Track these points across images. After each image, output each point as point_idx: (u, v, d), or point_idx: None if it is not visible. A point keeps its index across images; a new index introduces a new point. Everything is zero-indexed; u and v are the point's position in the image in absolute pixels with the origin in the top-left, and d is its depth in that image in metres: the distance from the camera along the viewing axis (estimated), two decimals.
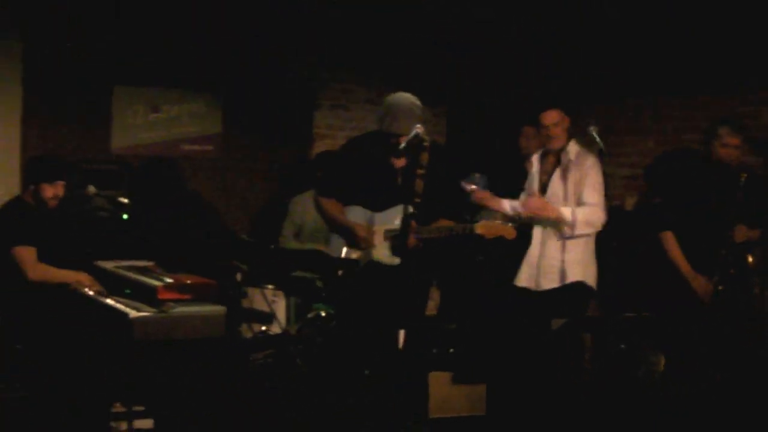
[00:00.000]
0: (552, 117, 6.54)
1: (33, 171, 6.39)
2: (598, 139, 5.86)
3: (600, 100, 8.16)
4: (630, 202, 6.76)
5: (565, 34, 8.32)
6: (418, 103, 6.03)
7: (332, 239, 6.23)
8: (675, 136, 7.73)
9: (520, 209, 6.65)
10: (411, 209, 5.89)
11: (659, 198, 7.24)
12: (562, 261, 6.52)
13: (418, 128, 5.75)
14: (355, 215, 6.13)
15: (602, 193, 6.43)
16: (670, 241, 6.75)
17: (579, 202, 6.47)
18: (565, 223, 6.43)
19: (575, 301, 6.52)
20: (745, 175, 6.46)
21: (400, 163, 6.14)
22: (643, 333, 6.29)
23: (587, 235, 6.56)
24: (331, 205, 6.19)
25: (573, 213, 6.41)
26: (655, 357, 7.44)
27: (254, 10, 8.20)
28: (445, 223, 6.10)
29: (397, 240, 5.79)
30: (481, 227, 6.08)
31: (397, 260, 6.08)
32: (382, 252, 6.10)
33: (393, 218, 6.09)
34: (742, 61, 7.25)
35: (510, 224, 6.21)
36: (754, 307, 6.80)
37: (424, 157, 5.94)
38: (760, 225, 6.61)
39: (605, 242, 6.75)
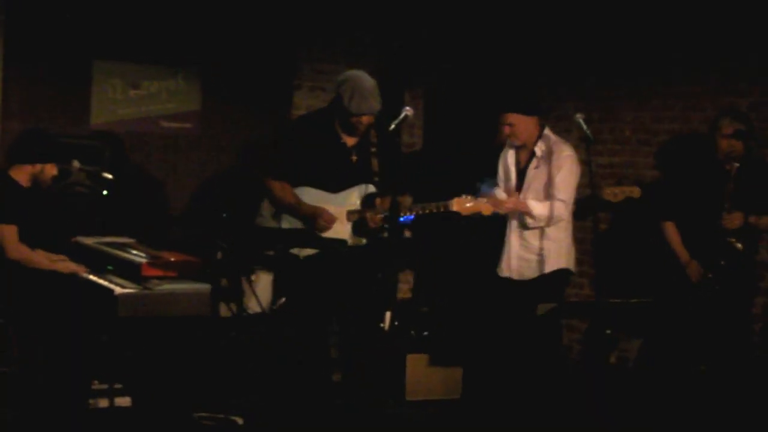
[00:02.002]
0: (507, 119, 6.60)
1: (41, 151, 6.30)
2: (584, 127, 5.86)
3: (580, 86, 8.20)
4: (608, 192, 6.78)
5: (547, 18, 8.34)
6: (375, 81, 6.05)
7: (283, 220, 6.17)
8: (652, 126, 7.79)
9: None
10: (374, 188, 5.96)
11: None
12: (542, 249, 6.56)
13: (407, 110, 5.76)
14: (309, 197, 6.08)
15: (572, 187, 6.47)
16: (671, 230, 6.86)
17: (548, 196, 6.51)
18: (531, 217, 6.49)
19: (557, 288, 6.57)
20: (737, 165, 6.53)
21: (352, 141, 6.14)
22: (624, 318, 6.35)
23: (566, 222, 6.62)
24: (283, 188, 6.11)
25: (541, 208, 6.46)
26: (628, 343, 7.55)
27: None
28: (401, 199, 6.13)
29: (388, 220, 5.76)
30: (456, 204, 6.13)
31: (362, 241, 6.11)
32: (345, 233, 6.11)
33: (351, 199, 6.10)
34: (723, 52, 7.31)
35: (485, 200, 6.26)
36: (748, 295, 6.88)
37: (373, 135, 5.94)
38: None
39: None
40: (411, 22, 8.76)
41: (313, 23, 8.55)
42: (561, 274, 6.62)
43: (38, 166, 6.23)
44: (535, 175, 6.58)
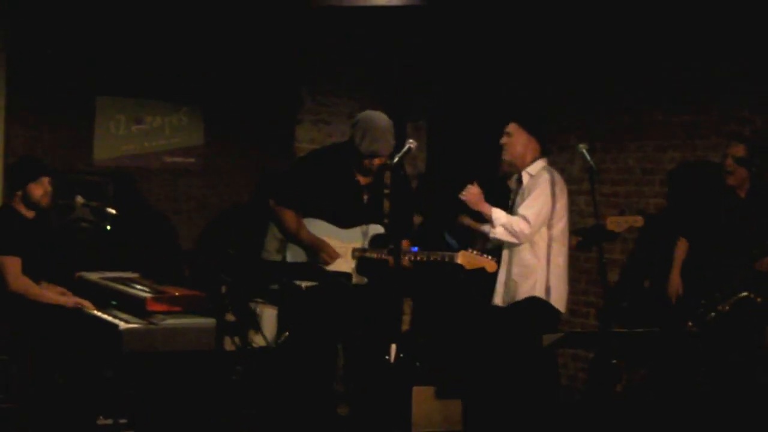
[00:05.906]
0: (507, 128, 6.51)
1: (15, 175, 6.34)
2: (588, 157, 5.83)
3: (583, 117, 8.21)
4: (611, 221, 6.76)
5: (550, 50, 8.37)
6: (390, 121, 6.03)
7: (288, 252, 6.17)
8: (656, 155, 7.79)
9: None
10: (382, 229, 5.95)
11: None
12: (514, 274, 6.42)
13: (411, 143, 5.73)
14: (317, 229, 6.08)
15: (540, 207, 6.28)
16: (680, 247, 6.96)
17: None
18: (490, 222, 6.40)
19: (526, 317, 6.39)
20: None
21: (365, 180, 6.12)
22: (625, 347, 6.30)
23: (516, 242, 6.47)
24: (290, 217, 6.09)
25: (500, 213, 6.34)
26: (634, 371, 7.51)
27: (238, 23, 8.19)
28: (405, 243, 6.08)
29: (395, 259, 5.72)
30: (462, 257, 6.04)
31: (363, 279, 6.07)
32: (348, 270, 6.08)
33: (360, 237, 6.08)
34: (725, 81, 7.32)
35: (491, 257, 6.15)
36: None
37: (387, 177, 5.90)
38: None
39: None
40: (413, 54, 8.79)
41: (315, 57, 8.58)
42: (531, 302, 6.40)
43: (20, 192, 6.24)
44: (518, 202, 6.48)
